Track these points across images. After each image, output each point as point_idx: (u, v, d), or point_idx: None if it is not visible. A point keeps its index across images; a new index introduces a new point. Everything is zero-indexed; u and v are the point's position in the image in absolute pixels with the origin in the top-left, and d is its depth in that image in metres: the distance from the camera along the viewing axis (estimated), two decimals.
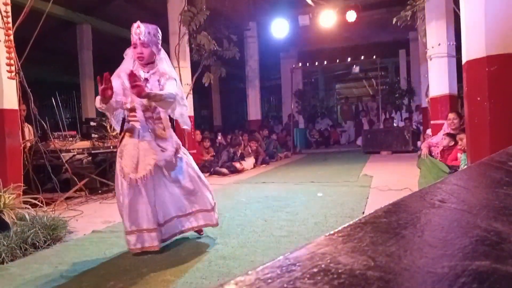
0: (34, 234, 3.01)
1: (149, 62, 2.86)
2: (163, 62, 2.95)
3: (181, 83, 7.88)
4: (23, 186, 4.05)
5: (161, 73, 2.86)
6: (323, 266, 0.39)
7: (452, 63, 6.20)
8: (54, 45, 11.35)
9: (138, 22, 2.80)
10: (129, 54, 2.92)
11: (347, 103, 16.98)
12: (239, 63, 11.03)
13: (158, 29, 2.90)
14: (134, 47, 2.81)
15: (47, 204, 4.19)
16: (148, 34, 2.78)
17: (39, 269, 2.59)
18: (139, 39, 2.76)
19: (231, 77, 13.95)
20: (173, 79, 2.88)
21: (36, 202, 3.77)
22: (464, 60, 3.29)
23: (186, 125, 3.19)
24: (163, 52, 2.97)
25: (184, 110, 3.10)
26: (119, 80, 2.77)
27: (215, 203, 3.06)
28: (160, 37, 2.91)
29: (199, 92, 12.59)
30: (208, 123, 17.22)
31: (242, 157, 8.07)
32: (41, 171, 4.98)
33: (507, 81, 2.96)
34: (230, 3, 9.81)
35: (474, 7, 3.07)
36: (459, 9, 3.49)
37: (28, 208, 3.45)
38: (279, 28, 10.59)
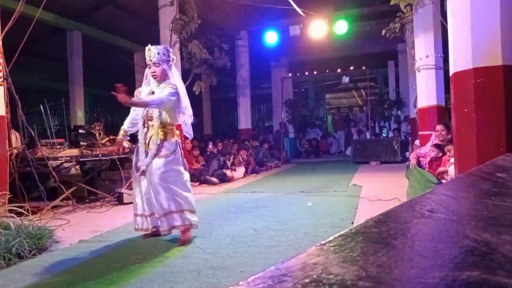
0: (19, 243, 2.94)
1: (162, 78, 3.32)
2: (174, 76, 3.43)
3: None
4: (9, 194, 3.97)
5: (169, 86, 3.29)
6: (314, 276, 0.39)
7: (440, 74, 6.30)
8: (43, 51, 11.26)
9: (149, 45, 3.30)
10: (147, 74, 3.44)
11: (339, 113, 17.13)
12: (230, 72, 11.07)
13: (167, 48, 3.40)
14: (149, 67, 3.32)
15: (33, 212, 4.11)
16: (157, 54, 3.25)
17: (23, 280, 2.53)
18: (150, 60, 3.26)
19: (222, 86, 13.98)
20: (170, 87, 3.25)
21: (22, 210, 3.69)
22: (451, 72, 3.35)
23: (188, 134, 3.75)
24: (174, 67, 3.46)
25: (188, 119, 3.60)
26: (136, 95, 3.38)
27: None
28: (170, 55, 3.38)
29: (190, 101, 12.58)
30: (198, 131, 17.18)
31: (233, 167, 8.05)
32: (28, 179, 4.89)
33: (493, 93, 3.02)
34: (222, 12, 9.88)
35: (461, 20, 3.14)
36: (446, 22, 3.56)
37: (14, 217, 3.38)
38: (270, 37, 10.68)
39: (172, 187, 3.23)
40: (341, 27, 9.76)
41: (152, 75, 3.30)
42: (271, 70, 14.99)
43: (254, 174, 8.61)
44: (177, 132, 3.47)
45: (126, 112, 3.65)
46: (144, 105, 3.22)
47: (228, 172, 7.50)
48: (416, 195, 0.77)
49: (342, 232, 0.52)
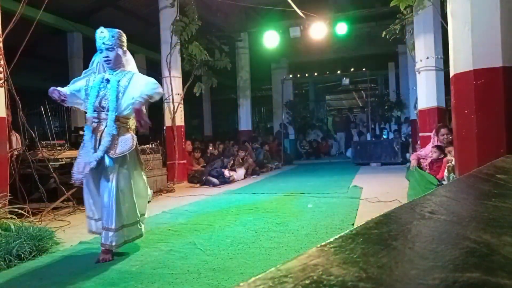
0: (20, 245, 2.94)
1: (116, 65, 3.02)
2: (130, 63, 3.12)
3: (172, 93, 7.86)
4: (9, 195, 3.98)
5: (125, 74, 3.02)
6: (315, 277, 0.39)
7: (440, 76, 6.30)
8: (44, 53, 11.29)
9: (101, 28, 2.98)
10: (96, 60, 3.13)
11: (339, 114, 17.13)
12: (230, 74, 11.08)
13: (122, 32, 3.06)
14: (100, 52, 3.00)
15: (34, 214, 4.11)
16: (112, 37, 2.96)
17: (23, 282, 2.53)
18: (104, 43, 2.95)
19: (223, 88, 13.99)
20: (137, 73, 3.05)
21: (22, 212, 3.70)
22: (451, 74, 3.35)
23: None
24: (128, 54, 3.14)
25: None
26: (84, 82, 3.11)
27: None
28: (125, 40, 3.08)
29: (190, 102, 12.61)
30: (198, 132, 17.20)
31: (233, 168, 8.06)
32: (28, 181, 4.89)
33: (494, 94, 3.02)
34: (222, 14, 9.90)
35: (461, 21, 3.14)
36: (446, 24, 3.56)
37: (14, 218, 3.38)
38: (270, 39, 10.70)
39: (126, 194, 2.92)
40: (341, 28, 9.76)
41: (105, 60, 2.98)
42: (271, 71, 15.00)
43: (255, 176, 8.60)
44: (132, 126, 3.08)
45: None
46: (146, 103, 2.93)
47: (226, 172, 7.51)
48: (416, 196, 0.77)
49: (342, 234, 0.52)
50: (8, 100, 4.37)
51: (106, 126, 2.92)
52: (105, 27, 2.99)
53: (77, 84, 3.11)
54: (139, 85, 2.93)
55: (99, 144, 2.90)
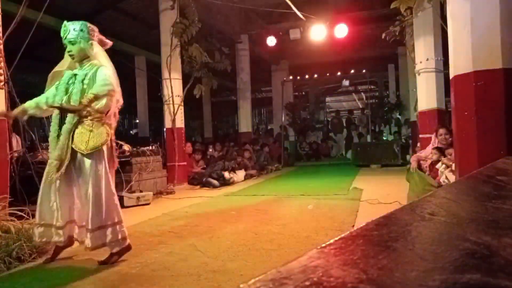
0: (19, 247, 2.94)
1: (83, 58, 2.93)
2: (99, 56, 3.00)
3: (172, 95, 7.85)
4: (10, 197, 3.97)
5: (92, 67, 2.91)
6: (315, 279, 0.39)
7: (440, 78, 6.30)
8: (44, 55, 11.29)
9: (65, 22, 2.90)
10: (66, 55, 3.02)
11: (337, 116, 17.13)
12: (230, 76, 11.09)
13: (88, 24, 2.94)
14: (65, 47, 2.91)
15: (34, 216, 4.10)
16: (73, 30, 2.85)
17: (23, 284, 2.52)
18: (66, 37, 2.86)
19: (223, 89, 14.01)
20: (104, 67, 2.91)
21: (22, 214, 3.69)
22: (451, 75, 3.35)
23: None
24: (97, 46, 3.00)
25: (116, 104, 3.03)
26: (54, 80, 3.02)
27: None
28: (92, 32, 2.96)
29: (190, 104, 12.61)
30: (198, 134, 17.20)
31: (233, 170, 8.05)
32: (28, 183, 4.88)
33: (494, 96, 3.02)
34: (222, 16, 9.91)
35: (461, 23, 3.15)
36: (446, 25, 3.57)
37: (14, 221, 3.38)
38: (271, 41, 10.72)
39: (106, 192, 2.81)
40: (341, 30, 9.78)
41: (69, 55, 2.90)
42: (271, 73, 15.02)
43: (254, 177, 8.59)
44: (107, 121, 2.94)
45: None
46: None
47: (226, 174, 7.51)
48: (416, 198, 0.78)
49: (342, 235, 0.52)
50: (9, 102, 4.37)
51: (76, 124, 2.83)
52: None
53: (51, 91, 3.04)
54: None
55: (73, 144, 2.80)
